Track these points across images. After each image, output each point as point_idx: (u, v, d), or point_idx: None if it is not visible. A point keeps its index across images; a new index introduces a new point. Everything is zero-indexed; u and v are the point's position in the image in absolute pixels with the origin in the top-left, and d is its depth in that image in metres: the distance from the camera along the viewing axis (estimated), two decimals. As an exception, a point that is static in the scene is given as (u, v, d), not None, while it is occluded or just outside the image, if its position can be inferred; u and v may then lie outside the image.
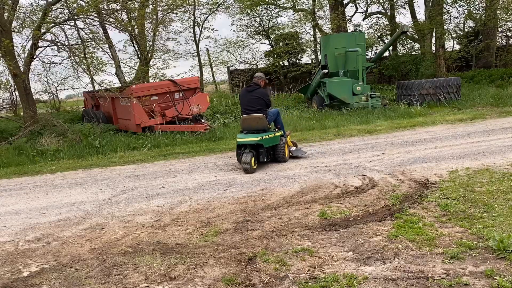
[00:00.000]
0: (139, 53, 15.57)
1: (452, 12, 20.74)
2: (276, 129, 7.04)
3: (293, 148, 7.27)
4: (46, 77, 19.01)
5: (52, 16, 11.63)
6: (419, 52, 19.25)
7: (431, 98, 13.23)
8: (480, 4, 19.72)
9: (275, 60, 19.51)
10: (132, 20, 13.86)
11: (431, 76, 16.61)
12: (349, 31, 17.88)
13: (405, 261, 2.99)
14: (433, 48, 18.72)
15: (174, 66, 62.61)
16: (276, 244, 3.48)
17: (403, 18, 63.96)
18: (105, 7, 12.14)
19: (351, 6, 20.33)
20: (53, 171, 7.89)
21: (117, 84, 13.09)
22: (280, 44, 19.80)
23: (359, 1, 20.35)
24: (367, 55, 16.89)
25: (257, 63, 20.66)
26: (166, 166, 7.48)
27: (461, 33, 21.77)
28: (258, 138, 6.39)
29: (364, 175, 5.59)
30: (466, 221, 3.64)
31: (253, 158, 6.36)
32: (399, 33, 13.92)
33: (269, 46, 20.79)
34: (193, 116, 11.01)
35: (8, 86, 16.86)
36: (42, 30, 11.20)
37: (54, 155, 9.10)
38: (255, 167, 6.43)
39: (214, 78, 21.08)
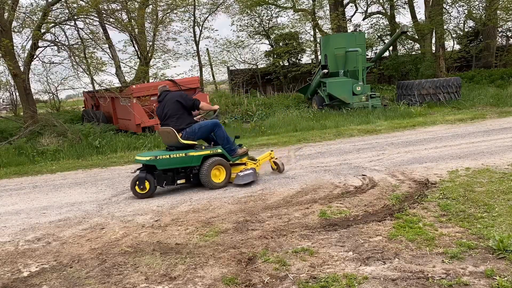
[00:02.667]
0: (139, 53, 15.56)
1: (452, 12, 20.78)
2: (203, 147, 5.78)
3: (243, 173, 5.62)
4: (46, 77, 19.04)
5: (52, 16, 11.64)
6: (419, 52, 19.26)
7: (431, 98, 13.23)
8: (480, 4, 19.75)
9: (275, 60, 19.51)
10: (132, 20, 13.86)
11: (431, 76, 16.62)
12: (349, 31, 17.88)
13: (405, 261, 2.99)
14: (433, 48, 18.72)
15: (174, 66, 62.62)
16: (276, 244, 3.48)
17: (403, 18, 63.94)
18: (105, 7, 12.15)
19: (351, 6, 20.35)
20: (53, 171, 7.89)
21: (117, 84, 13.10)
22: (280, 44, 19.81)
23: (359, 1, 20.37)
24: (367, 55, 16.90)
25: (257, 63, 20.66)
26: (166, 166, 7.47)
27: (461, 33, 21.78)
28: (148, 158, 5.37)
29: (364, 175, 5.59)
30: (466, 221, 3.64)
31: (137, 182, 5.34)
32: (399, 33, 13.93)
33: (269, 46, 20.80)
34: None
35: (8, 86, 16.87)
36: (42, 30, 11.20)
37: (54, 155, 9.11)
38: (143, 192, 5.34)
39: (214, 78, 21.09)
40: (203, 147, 5.77)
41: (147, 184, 5.38)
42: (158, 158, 5.39)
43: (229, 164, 5.73)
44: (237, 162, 5.95)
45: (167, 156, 5.42)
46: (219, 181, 5.61)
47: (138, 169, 5.52)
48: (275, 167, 6.20)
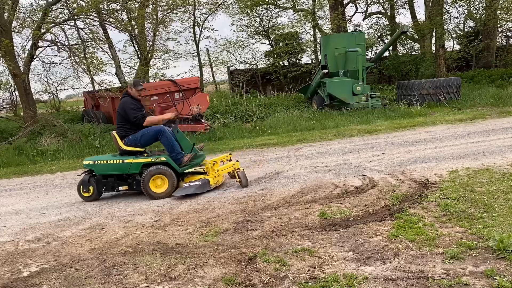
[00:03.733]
0: (139, 53, 15.56)
1: (452, 12, 20.76)
2: (146, 154, 5.52)
3: (188, 184, 5.37)
4: (46, 77, 19.08)
5: (52, 16, 11.65)
6: (419, 52, 19.25)
7: (431, 98, 13.23)
8: (480, 4, 19.73)
9: (275, 60, 19.50)
10: (132, 20, 13.86)
11: (431, 76, 16.61)
12: (349, 31, 17.87)
13: (405, 261, 2.99)
14: (433, 48, 18.71)
15: (174, 66, 62.64)
16: (276, 244, 3.48)
17: (403, 18, 64.00)
18: (105, 7, 12.16)
19: (351, 6, 20.35)
20: (53, 171, 7.90)
21: (117, 84, 13.12)
22: (280, 44, 19.79)
23: (359, 1, 20.36)
24: (367, 55, 16.89)
25: (257, 63, 20.66)
26: (166, 166, 7.47)
27: (461, 33, 21.77)
28: (87, 162, 5.49)
29: (364, 175, 5.58)
30: (466, 221, 3.64)
31: (81, 186, 5.47)
32: (399, 33, 13.93)
33: (269, 46, 20.79)
34: (193, 116, 11.00)
35: (8, 86, 16.90)
36: (42, 30, 11.22)
37: (54, 155, 9.11)
38: (86, 195, 5.45)
39: (214, 78, 21.09)
40: (145, 154, 5.53)
41: (91, 188, 5.46)
42: (95, 163, 5.44)
43: (173, 173, 5.34)
44: (199, 171, 5.71)
45: (104, 162, 5.42)
46: (159, 191, 5.29)
47: (83, 172, 5.61)
48: (238, 180, 5.53)
